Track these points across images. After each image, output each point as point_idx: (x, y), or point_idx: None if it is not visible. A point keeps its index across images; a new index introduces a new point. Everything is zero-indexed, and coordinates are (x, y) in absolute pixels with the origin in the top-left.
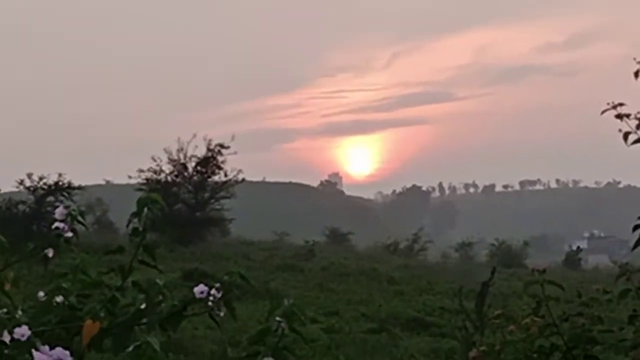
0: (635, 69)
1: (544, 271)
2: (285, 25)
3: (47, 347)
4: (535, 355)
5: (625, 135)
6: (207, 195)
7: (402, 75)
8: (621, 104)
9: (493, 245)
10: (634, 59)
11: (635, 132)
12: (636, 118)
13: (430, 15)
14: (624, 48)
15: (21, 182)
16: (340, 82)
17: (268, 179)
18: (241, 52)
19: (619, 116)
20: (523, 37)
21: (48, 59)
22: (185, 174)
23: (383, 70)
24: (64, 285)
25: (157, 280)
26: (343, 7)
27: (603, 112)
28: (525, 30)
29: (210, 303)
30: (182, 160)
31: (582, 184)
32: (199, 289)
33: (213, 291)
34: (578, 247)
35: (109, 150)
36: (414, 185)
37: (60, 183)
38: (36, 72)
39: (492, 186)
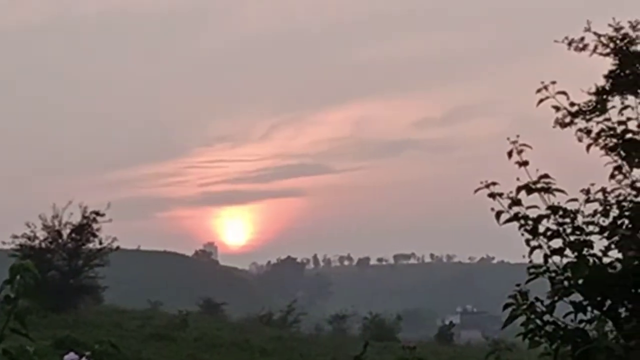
0: (509, 149)
1: (414, 348)
2: (167, 92)
3: None
4: None
5: (497, 215)
6: (81, 262)
7: (279, 147)
8: (494, 183)
9: (366, 318)
10: (508, 138)
11: (508, 212)
12: (509, 197)
13: (309, 88)
14: (503, 122)
15: None
16: (219, 152)
17: (143, 247)
18: (119, 119)
19: (492, 195)
20: (401, 112)
21: None
22: (60, 240)
23: (261, 141)
24: None
25: (28, 348)
26: (224, 77)
27: (476, 190)
28: (404, 105)
29: None
30: (57, 227)
31: (456, 259)
32: (70, 357)
33: (84, 359)
34: (451, 322)
35: None
36: (288, 257)
37: None
38: None
39: (367, 259)
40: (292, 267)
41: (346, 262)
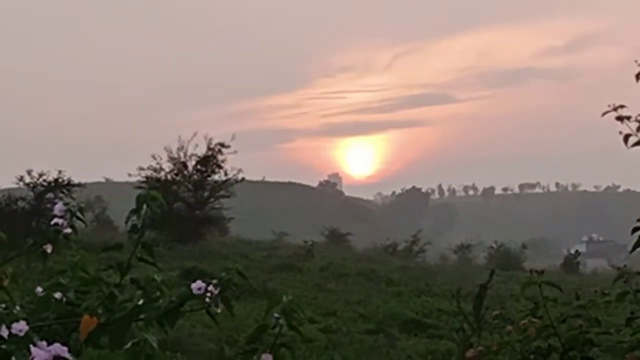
0: (636, 72)
1: (542, 272)
2: (287, 25)
3: (44, 343)
4: (532, 356)
5: (626, 138)
6: (206, 194)
7: (403, 77)
8: (622, 106)
9: (491, 247)
10: (636, 61)
11: (636, 135)
12: (637, 120)
13: (431, 17)
14: (625, 52)
15: (21, 179)
16: (341, 83)
17: (267, 179)
18: (242, 51)
19: (620, 118)
20: (524, 40)
21: (49, 55)
22: (185, 172)
23: (384, 72)
24: (62, 281)
25: (155, 277)
26: (345, 8)
27: (604, 114)
28: (526, 34)
29: (207, 300)
30: (182, 159)
31: (581, 188)
32: (197, 285)
33: (211, 287)
34: (576, 251)
35: (109, 148)
36: (413, 187)
37: (60, 180)
38: (37, 68)
39: (492, 189)
40: (417, 197)
41: (471, 192)
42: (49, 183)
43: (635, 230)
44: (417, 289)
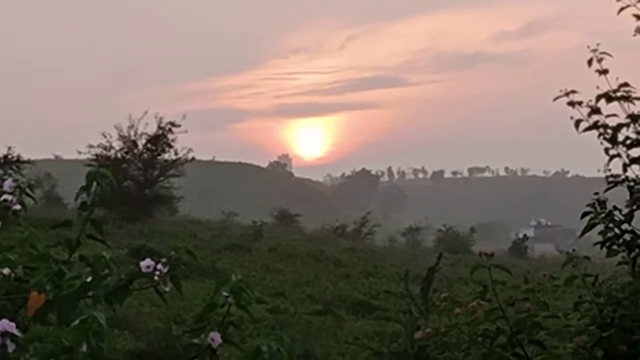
0: (588, 58)
1: (492, 255)
2: (241, 6)
3: None
4: (480, 338)
5: (577, 123)
6: (156, 173)
7: (355, 59)
8: (573, 92)
9: (440, 231)
10: (588, 47)
11: (587, 120)
12: (588, 106)
13: None
14: (578, 37)
15: None
16: (293, 64)
17: (218, 159)
18: (195, 31)
19: (571, 103)
20: (478, 24)
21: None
22: (135, 151)
23: (336, 54)
24: (10, 257)
25: (104, 254)
26: None
27: (555, 99)
28: (480, 18)
29: (156, 278)
30: (133, 137)
31: (530, 173)
32: (146, 263)
33: (159, 266)
34: (525, 235)
35: (59, 126)
36: (363, 169)
37: (10, 156)
38: None
39: (441, 172)
40: (366, 179)
41: (420, 175)
42: None
43: (584, 215)
44: (366, 271)
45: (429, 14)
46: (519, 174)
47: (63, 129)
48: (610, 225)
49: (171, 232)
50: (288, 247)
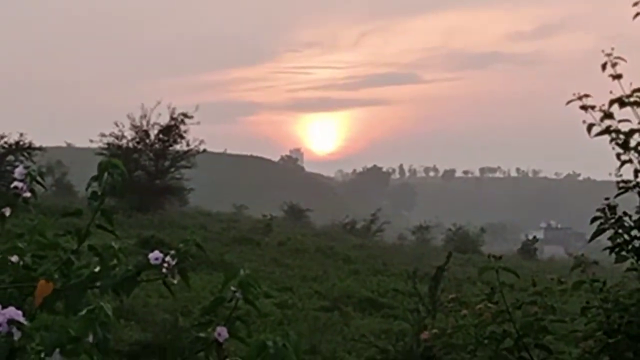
0: (602, 61)
1: (500, 257)
2: None
3: None
4: (486, 341)
5: (589, 127)
6: (167, 163)
7: (368, 55)
8: (587, 95)
9: (450, 230)
10: (602, 51)
11: (599, 125)
12: (601, 110)
13: None
14: (592, 40)
15: None
16: (307, 58)
17: (229, 151)
18: (209, 23)
19: (584, 107)
20: (492, 24)
21: (17, 21)
22: (147, 141)
23: (350, 49)
24: (19, 245)
25: (113, 244)
26: None
27: (568, 102)
28: (495, 17)
29: (164, 270)
30: (145, 127)
31: (541, 174)
32: (154, 255)
33: (168, 258)
34: (534, 237)
35: (71, 114)
36: (374, 166)
37: (21, 143)
38: (3, 33)
39: (452, 171)
40: (377, 176)
41: (432, 174)
42: (10, 146)
43: (594, 219)
44: (374, 268)
45: (444, 11)
46: (530, 175)
47: (76, 117)
48: (620, 231)
49: (181, 224)
50: (297, 241)
